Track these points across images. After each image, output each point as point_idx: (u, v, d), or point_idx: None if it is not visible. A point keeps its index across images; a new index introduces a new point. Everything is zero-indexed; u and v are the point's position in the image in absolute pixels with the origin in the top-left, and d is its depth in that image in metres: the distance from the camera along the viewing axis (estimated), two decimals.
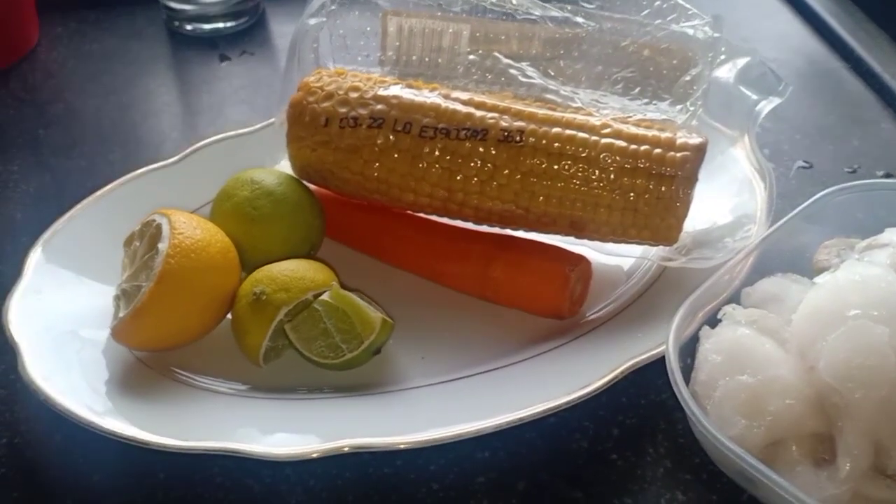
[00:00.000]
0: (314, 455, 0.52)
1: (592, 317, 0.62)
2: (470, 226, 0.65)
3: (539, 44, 0.69)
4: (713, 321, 0.57)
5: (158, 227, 0.58)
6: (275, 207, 0.63)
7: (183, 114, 0.90)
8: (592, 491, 0.54)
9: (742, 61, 0.67)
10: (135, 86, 0.93)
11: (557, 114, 0.62)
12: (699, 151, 0.60)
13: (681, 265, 0.62)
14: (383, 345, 0.58)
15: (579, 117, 0.62)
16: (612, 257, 0.66)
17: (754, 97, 0.66)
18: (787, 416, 0.49)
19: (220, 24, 1.02)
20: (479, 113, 0.62)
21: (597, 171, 0.60)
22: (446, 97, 0.63)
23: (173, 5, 1.02)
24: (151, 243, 0.58)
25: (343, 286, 0.60)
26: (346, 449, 0.52)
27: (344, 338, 0.57)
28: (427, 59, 0.71)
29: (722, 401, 0.50)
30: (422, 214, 0.66)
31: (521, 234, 0.64)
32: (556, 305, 0.61)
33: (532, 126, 0.61)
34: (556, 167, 0.60)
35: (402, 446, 0.52)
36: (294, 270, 0.59)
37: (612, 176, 0.60)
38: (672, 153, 0.60)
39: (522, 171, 0.61)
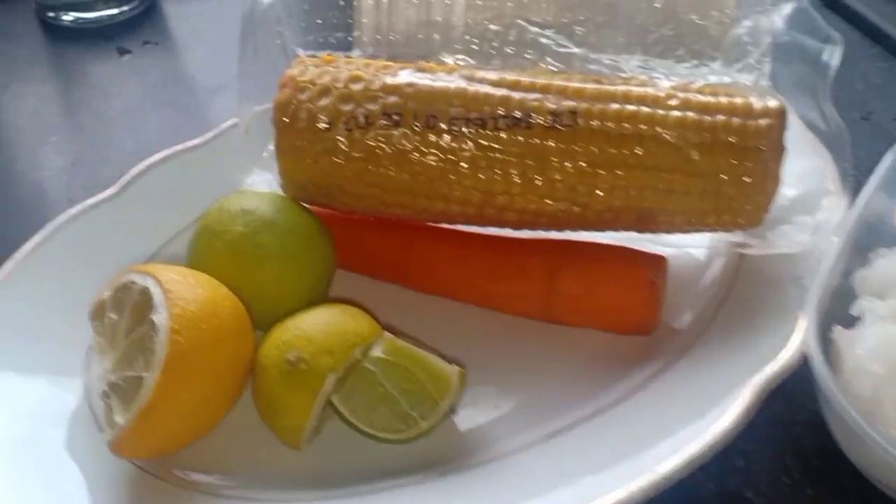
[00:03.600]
0: None
1: (679, 327, 0.52)
2: (514, 232, 0.53)
3: (553, 6, 0.57)
4: (838, 318, 0.48)
5: (144, 292, 0.43)
6: (282, 242, 0.49)
7: (89, 126, 0.72)
8: None
9: (787, 6, 0.58)
10: (16, 96, 0.75)
11: (609, 87, 0.51)
12: (781, 116, 0.51)
13: (761, 251, 0.53)
14: (458, 402, 0.46)
15: (636, 89, 0.51)
16: (674, 248, 0.56)
17: (817, 46, 0.57)
18: None
19: (108, 11, 0.84)
20: (516, 95, 0.50)
21: (669, 153, 0.50)
22: (471, 79, 0.51)
23: None
24: (138, 315, 0.43)
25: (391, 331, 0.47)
26: None
27: (412, 402, 0.45)
28: (420, 36, 0.58)
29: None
30: (451, 225, 0.54)
31: (578, 234, 0.53)
32: (643, 319, 0.51)
33: (584, 105, 0.49)
34: (618, 152, 0.49)
35: None
36: (331, 323, 0.46)
37: (688, 156, 0.50)
38: (753, 121, 0.50)
39: (577, 161, 0.49)
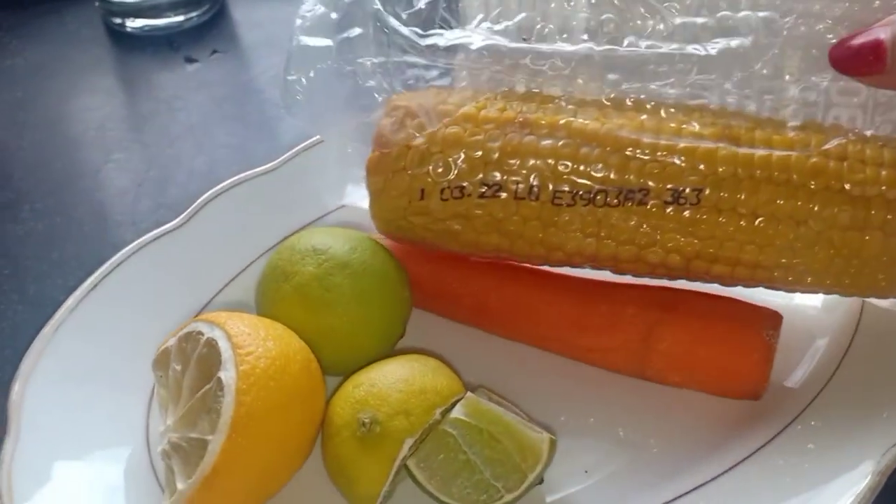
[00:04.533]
0: None
1: (792, 385, 0.47)
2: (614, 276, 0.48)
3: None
4: None
5: (211, 344, 0.40)
6: (355, 284, 0.45)
7: (155, 142, 0.69)
8: None
9: None
10: (82, 109, 0.73)
11: (746, 150, 0.43)
12: None
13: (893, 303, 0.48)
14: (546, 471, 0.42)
15: (778, 153, 0.43)
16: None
17: None
18: None
19: (175, 18, 0.82)
20: (633, 159, 0.43)
21: (814, 240, 0.43)
22: (580, 135, 0.44)
23: None
24: (205, 370, 0.40)
25: (468, 387, 0.43)
26: None
27: (496, 472, 0.41)
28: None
29: None
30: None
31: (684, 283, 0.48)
32: (753, 384, 0.45)
33: (710, 185, 0.43)
34: (749, 226, 0.43)
35: None
36: (408, 380, 0.42)
37: (834, 239, 0.43)
38: None
39: (700, 237, 0.44)
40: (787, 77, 0.46)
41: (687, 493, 0.42)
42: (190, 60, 0.77)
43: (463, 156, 0.45)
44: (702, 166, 0.43)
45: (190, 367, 0.41)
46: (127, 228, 0.60)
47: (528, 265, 0.50)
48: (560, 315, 0.48)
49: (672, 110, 0.46)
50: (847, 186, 0.42)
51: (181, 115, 0.71)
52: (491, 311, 0.50)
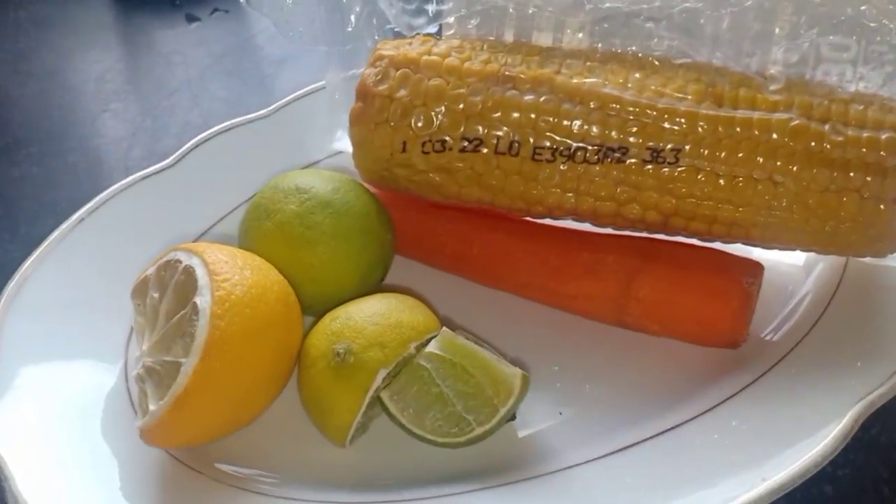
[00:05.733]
0: None
1: (770, 338, 0.47)
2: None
3: None
4: None
5: (188, 271, 0.41)
6: (336, 223, 0.46)
7: (152, 94, 0.70)
8: None
9: None
10: (82, 61, 0.73)
11: (728, 112, 0.43)
12: None
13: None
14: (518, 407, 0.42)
15: (758, 114, 0.43)
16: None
17: None
18: None
19: None
20: (614, 116, 0.44)
21: (792, 200, 0.43)
22: (565, 91, 0.45)
23: None
24: (182, 296, 0.40)
25: (450, 325, 0.44)
26: None
27: (469, 405, 0.41)
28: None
29: None
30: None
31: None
32: (732, 333, 0.45)
33: (690, 143, 0.43)
34: (728, 185, 0.44)
35: None
36: (384, 314, 0.42)
37: (810, 201, 0.43)
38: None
39: (678, 195, 0.44)
40: (778, 31, 0.46)
41: (660, 434, 0.42)
42: (191, 18, 0.78)
43: (444, 109, 0.45)
44: (682, 125, 0.43)
45: (167, 294, 0.41)
46: (120, 174, 0.60)
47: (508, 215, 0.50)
48: (541, 263, 0.49)
49: (657, 64, 0.46)
50: (827, 147, 0.42)
51: (179, 69, 0.72)
52: (473, 258, 0.50)
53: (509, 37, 0.48)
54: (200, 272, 0.40)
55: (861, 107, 0.43)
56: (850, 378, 0.42)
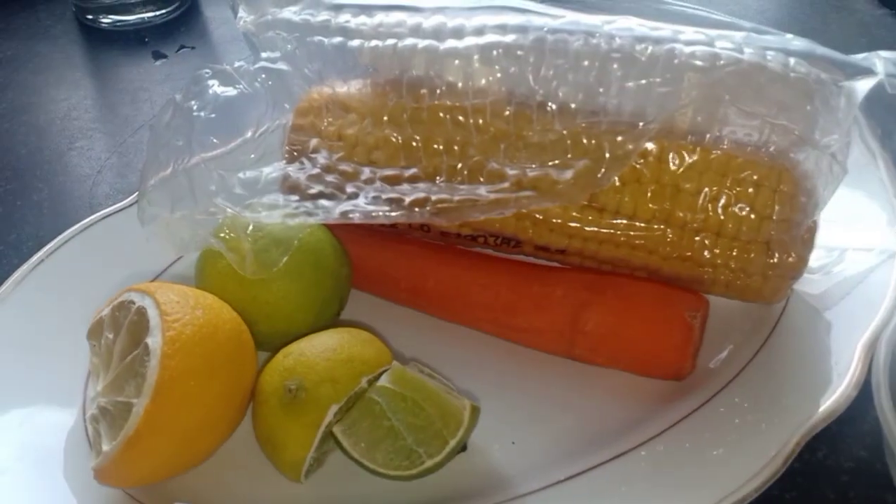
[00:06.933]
0: None
1: (716, 366, 0.48)
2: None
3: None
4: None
5: (140, 312, 0.41)
6: (290, 259, 0.47)
7: (118, 131, 0.71)
8: None
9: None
10: (50, 100, 0.74)
11: (608, 225, 0.47)
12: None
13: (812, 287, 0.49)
14: (468, 438, 0.43)
15: (638, 225, 0.46)
16: None
17: None
18: None
19: (146, 14, 0.83)
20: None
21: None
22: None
23: None
24: (134, 336, 0.41)
25: (400, 360, 0.44)
26: None
27: (419, 437, 0.42)
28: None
29: None
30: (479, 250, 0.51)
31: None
32: (675, 365, 0.46)
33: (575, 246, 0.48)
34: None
35: None
36: (336, 350, 0.43)
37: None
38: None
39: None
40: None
41: (606, 461, 0.43)
42: (158, 55, 0.79)
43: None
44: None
45: (121, 334, 0.42)
46: (85, 212, 0.61)
47: (464, 248, 0.51)
48: (493, 297, 0.49)
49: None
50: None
51: (145, 106, 0.73)
52: (428, 292, 0.51)
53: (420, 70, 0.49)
54: (152, 313, 0.41)
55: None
56: (791, 405, 0.43)
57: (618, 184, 0.46)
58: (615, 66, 0.45)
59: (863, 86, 0.43)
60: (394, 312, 0.52)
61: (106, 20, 0.83)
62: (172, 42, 0.80)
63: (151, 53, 0.79)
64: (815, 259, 0.48)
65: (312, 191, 0.46)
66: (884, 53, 0.44)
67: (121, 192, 0.63)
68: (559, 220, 0.47)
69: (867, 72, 0.43)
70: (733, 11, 0.81)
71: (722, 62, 0.43)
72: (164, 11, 0.84)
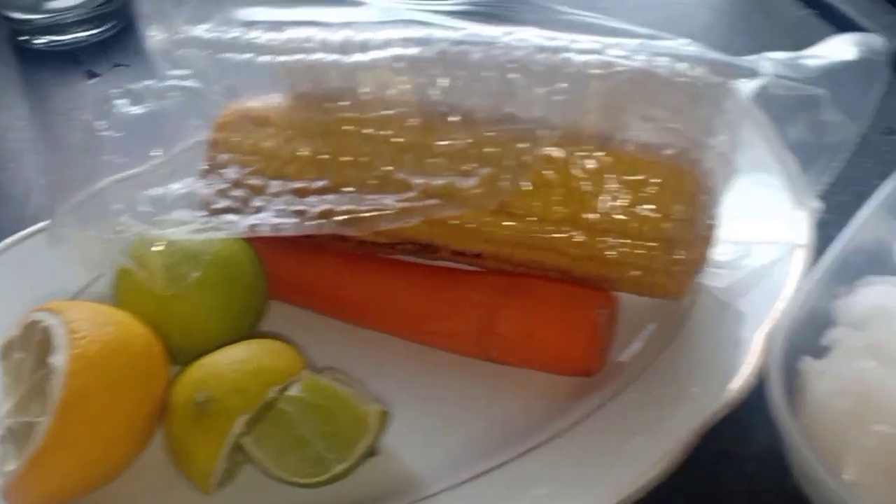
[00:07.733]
0: None
1: (626, 360, 0.49)
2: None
3: None
4: (812, 349, 0.44)
5: (47, 330, 0.42)
6: (203, 273, 0.47)
7: (49, 151, 0.71)
8: None
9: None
10: None
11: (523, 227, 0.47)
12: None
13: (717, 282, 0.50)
14: (379, 442, 0.44)
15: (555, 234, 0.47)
16: None
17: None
18: None
19: (81, 34, 0.83)
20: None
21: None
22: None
23: (17, 15, 0.83)
24: (41, 355, 0.42)
25: (314, 369, 0.45)
26: None
27: (328, 444, 0.42)
28: None
29: (859, 462, 0.38)
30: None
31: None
32: (585, 363, 0.47)
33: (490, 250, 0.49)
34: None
35: None
36: (246, 361, 0.44)
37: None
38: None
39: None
40: None
41: (515, 458, 0.44)
42: (91, 74, 0.79)
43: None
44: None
45: (29, 354, 0.42)
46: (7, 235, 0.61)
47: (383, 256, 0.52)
48: (408, 303, 0.50)
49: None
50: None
51: (76, 126, 0.73)
52: (345, 301, 0.52)
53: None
54: (59, 331, 0.41)
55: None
56: (695, 394, 0.45)
57: (529, 188, 0.47)
58: (517, 75, 0.46)
59: (751, 87, 0.45)
60: (313, 322, 0.52)
61: (40, 41, 0.83)
62: (106, 61, 0.81)
63: (86, 72, 0.79)
64: (723, 254, 0.49)
65: (219, 206, 0.47)
66: (771, 55, 0.46)
67: (48, 215, 0.63)
68: (473, 225, 0.48)
69: (754, 73, 0.45)
70: (661, 17, 0.82)
71: (615, 69, 0.45)
72: (98, 31, 0.84)
